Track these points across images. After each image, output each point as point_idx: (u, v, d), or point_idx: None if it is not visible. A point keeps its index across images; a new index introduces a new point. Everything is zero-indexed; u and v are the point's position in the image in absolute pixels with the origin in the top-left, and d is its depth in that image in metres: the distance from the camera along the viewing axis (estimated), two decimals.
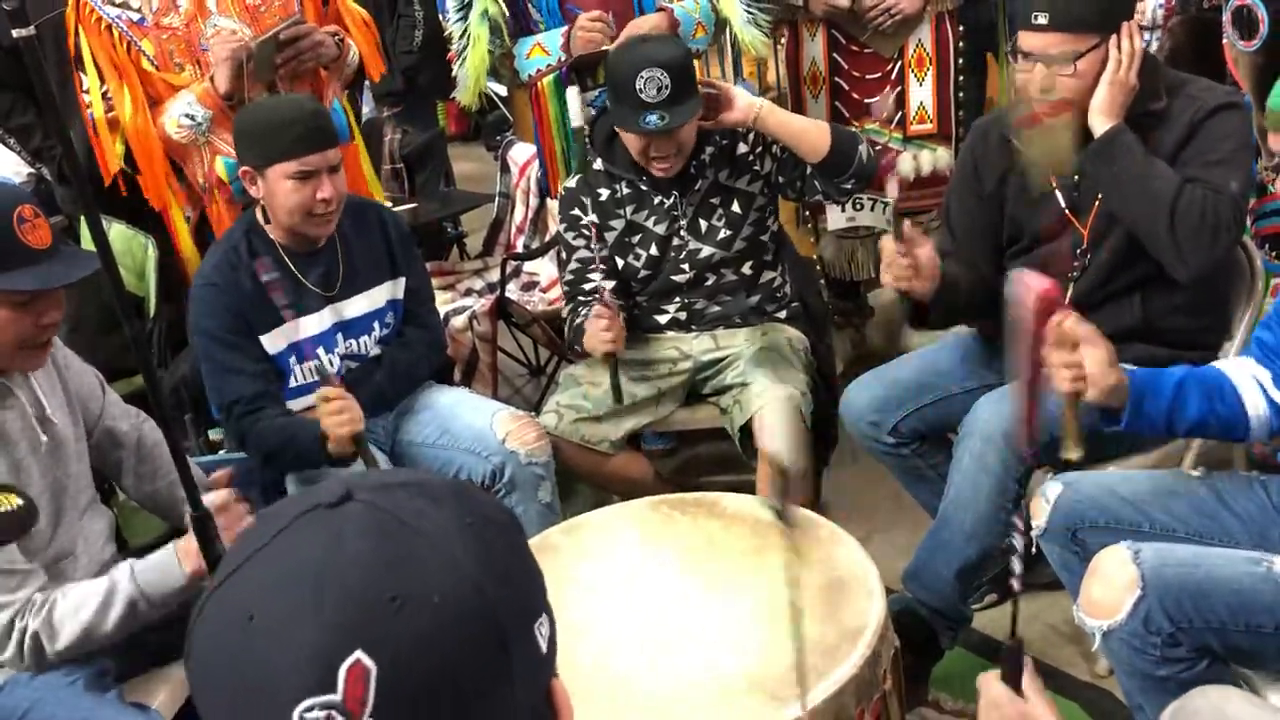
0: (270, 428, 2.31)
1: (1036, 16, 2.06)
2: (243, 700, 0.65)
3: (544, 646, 0.73)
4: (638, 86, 2.38)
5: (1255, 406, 1.78)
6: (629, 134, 2.50)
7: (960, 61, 3.17)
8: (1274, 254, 2.74)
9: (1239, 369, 1.81)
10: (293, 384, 2.41)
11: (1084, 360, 1.72)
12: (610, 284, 2.64)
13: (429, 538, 0.69)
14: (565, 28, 2.89)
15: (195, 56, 2.69)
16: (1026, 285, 1.63)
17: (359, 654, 0.64)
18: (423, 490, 0.73)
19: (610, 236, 2.67)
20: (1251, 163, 2.22)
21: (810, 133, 2.51)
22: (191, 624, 0.70)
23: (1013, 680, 1.24)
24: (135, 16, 2.65)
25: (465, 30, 2.91)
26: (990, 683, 1.25)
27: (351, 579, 0.66)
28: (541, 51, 2.93)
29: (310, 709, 0.63)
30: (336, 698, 0.63)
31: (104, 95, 2.69)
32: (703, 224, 2.64)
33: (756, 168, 2.62)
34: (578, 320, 2.61)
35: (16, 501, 1.69)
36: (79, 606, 1.79)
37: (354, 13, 2.95)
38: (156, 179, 2.75)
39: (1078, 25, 2.04)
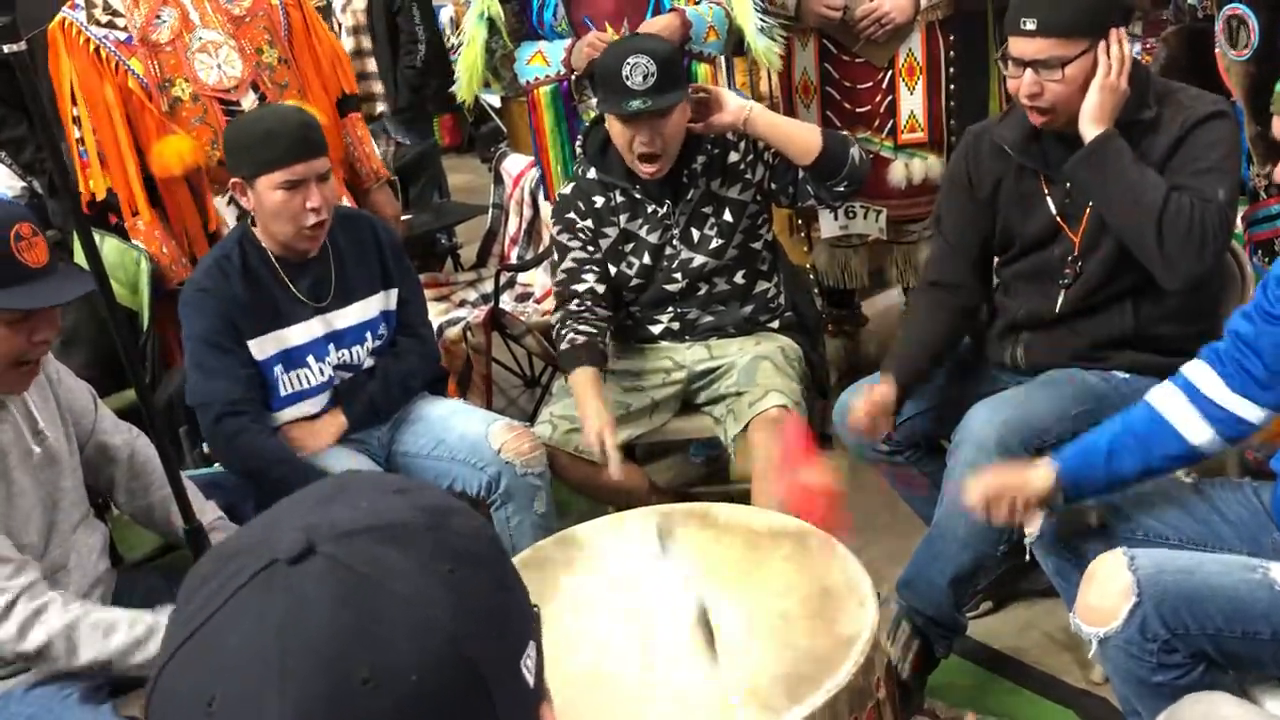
0: (258, 446, 2.32)
1: (1025, 22, 2.07)
2: None
3: (531, 680, 0.68)
4: (624, 73, 2.40)
5: (1197, 435, 1.78)
6: (614, 124, 2.50)
7: (951, 70, 3.18)
8: (1266, 260, 2.75)
9: (1172, 401, 1.81)
10: (282, 392, 2.41)
11: (1014, 504, 1.87)
12: (602, 287, 2.64)
13: (400, 598, 0.63)
14: (570, 40, 2.90)
15: (184, 72, 2.69)
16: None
17: None
18: (391, 534, 0.66)
19: (603, 244, 2.67)
20: (1240, 170, 2.22)
21: (800, 134, 2.53)
22: (148, 694, 0.65)
23: None
24: (122, 36, 2.65)
25: (460, 33, 2.94)
26: None
27: (318, 659, 0.60)
28: (542, 60, 2.94)
29: None
30: None
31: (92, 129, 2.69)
32: (695, 233, 2.64)
33: (748, 176, 2.63)
34: (563, 345, 2.59)
35: None
36: (105, 630, 1.78)
37: (337, 45, 3.01)
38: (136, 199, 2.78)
39: (1066, 30, 2.05)
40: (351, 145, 3.06)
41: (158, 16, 2.67)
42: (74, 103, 2.69)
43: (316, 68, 2.93)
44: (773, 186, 2.63)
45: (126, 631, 1.79)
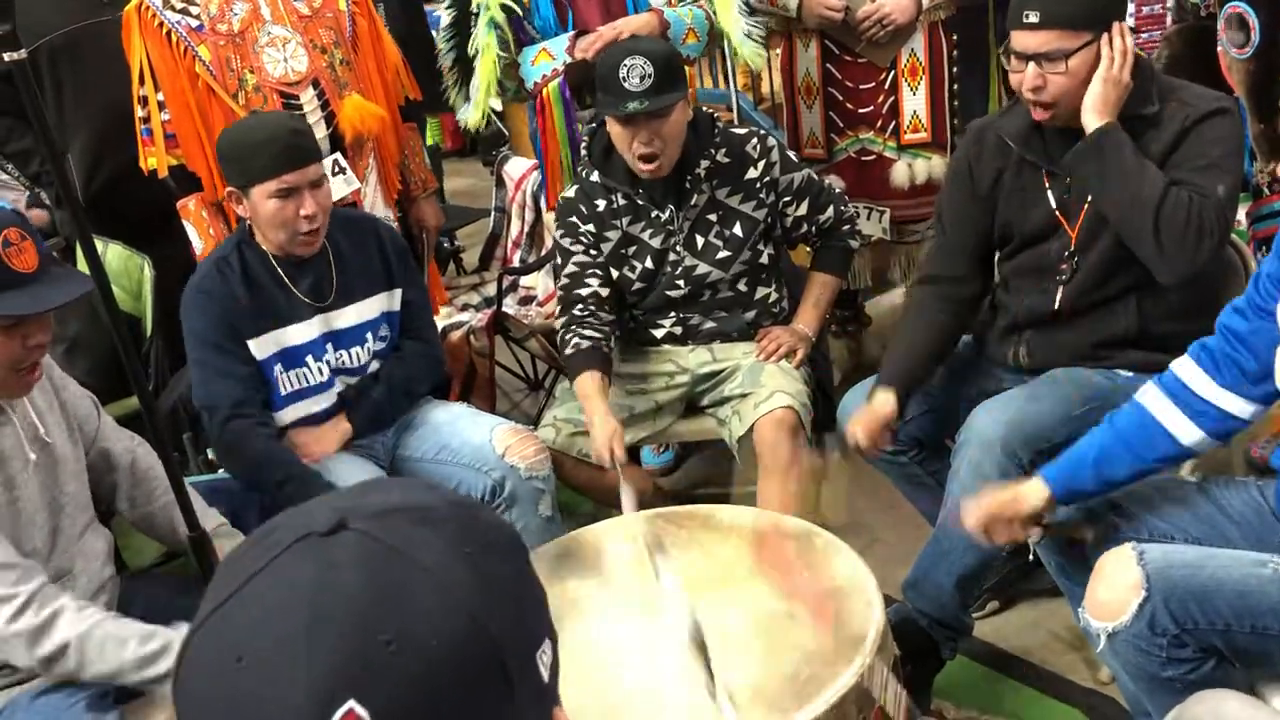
0: (265, 451, 2.32)
1: (1028, 15, 2.06)
2: None
3: (546, 675, 0.70)
4: (621, 75, 2.40)
5: (1187, 434, 1.78)
6: (614, 126, 2.50)
7: (954, 70, 3.18)
8: None
9: (1160, 402, 1.81)
10: (282, 392, 2.42)
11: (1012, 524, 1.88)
12: (605, 291, 2.64)
13: (426, 570, 0.66)
14: (572, 32, 2.89)
15: (250, 64, 2.71)
16: None
17: (352, 703, 0.61)
18: (421, 516, 0.69)
19: (606, 248, 2.67)
20: (1241, 168, 2.22)
21: (830, 295, 2.78)
22: (180, 656, 0.68)
23: None
24: (194, 23, 2.68)
25: (470, 45, 2.92)
26: None
27: (344, 620, 0.63)
28: (547, 56, 2.93)
29: None
30: None
31: (160, 105, 2.70)
32: (699, 240, 2.64)
33: (763, 195, 2.63)
34: (568, 350, 2.59)
35: None
36: (117, 644, 1.79)
37: (399, 54, 3.01)
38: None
39: (1069, 23, 2.05)
40: (406, 153, 3.06)
41: (231, 9, 2.69)
42: (141, 82, 2.71)
43: (381, 74, 2.95)
44: (774, 221, 2.68)
45: (136, 648, 1.80)
